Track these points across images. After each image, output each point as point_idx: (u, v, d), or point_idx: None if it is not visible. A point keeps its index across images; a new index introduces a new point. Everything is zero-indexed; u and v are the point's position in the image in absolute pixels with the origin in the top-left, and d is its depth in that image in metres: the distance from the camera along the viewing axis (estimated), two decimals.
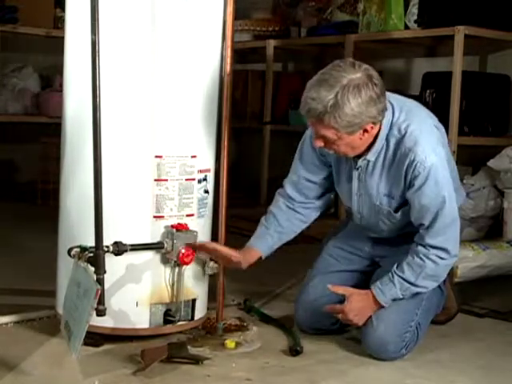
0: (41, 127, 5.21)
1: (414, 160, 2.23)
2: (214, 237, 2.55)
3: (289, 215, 2.52)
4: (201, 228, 2.45)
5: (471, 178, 3.98)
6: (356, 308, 2.36)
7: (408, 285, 2.33)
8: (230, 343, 2.42)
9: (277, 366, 2.31)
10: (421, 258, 2.30)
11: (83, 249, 2.20)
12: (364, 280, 2.57)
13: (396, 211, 2.39)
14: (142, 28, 2.31)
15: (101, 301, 2.11)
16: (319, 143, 2.25)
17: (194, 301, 2.48)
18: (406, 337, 2.38)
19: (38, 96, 5.32)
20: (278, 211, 2.52)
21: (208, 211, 2.51)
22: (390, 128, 2.28)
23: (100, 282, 2.12)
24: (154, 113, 2.34)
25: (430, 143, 2.25)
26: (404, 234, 2.46)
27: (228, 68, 2.49)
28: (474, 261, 3.23)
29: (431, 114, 2.44)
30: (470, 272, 3.21)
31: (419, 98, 4.00)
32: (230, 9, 2.46)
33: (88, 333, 2.13)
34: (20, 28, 4.99)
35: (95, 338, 2.34)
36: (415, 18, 3.98)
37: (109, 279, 2.23)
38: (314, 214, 2.57)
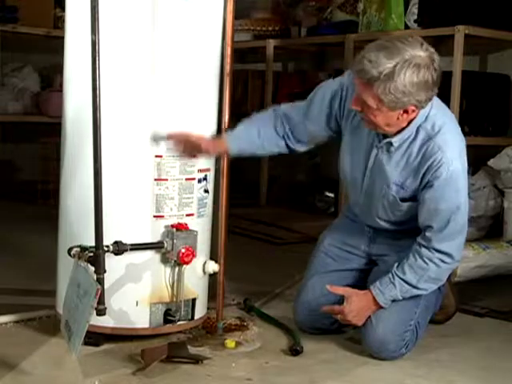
0: (41, 127, 5.21)
1: (440, 160, 2.21)
2: (214, 237, 2.55)
3: (270, 136, 2.44)
4: (201, 228, 2.45)
5: (471, 178, 3.97)
6: (355, 309, 2.36)
7: (408, 287, 2.32)
8: (230, 343, 2.43)
9: (277, 365, 2.31)
10: (424, 261, 2.29)
11: (83, 248, 2.20)
12: (362, 278, 2.57)
13: (403, 201, 2.36)
14: (142, 28, 2.31)
15: (101, 300, 2.11)
16: (356, 105, 2.19)
17: (193, 300, 2.48)
18: (406, 336, 2.38)
19: (38, 96, 5.32)
20: (264, 127, 2.43)
21: (208, 211, 2.51)
22: (425, 120, 2.24)
23: (100, 281, 2.12)
24: (154, 112, 2.34)
25: (459, 149, 2.25)
26: (400, 232, 2.46)
27: (228, 68, 2.48)
28: (474, 260, 3.23)
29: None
30: (470, 272, 3.21)
31: None
32: (229, 8, 2.46)
33: (88, 332, 2.13)
34: (20, 28, 4.98)
35: (95, 337, 2.34)
36: (415, 17, 3.98)
37: (109, 279, 2.23)
38: (289, 150, 2.49)
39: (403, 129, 2.25)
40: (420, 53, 2.10)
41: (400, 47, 2.09)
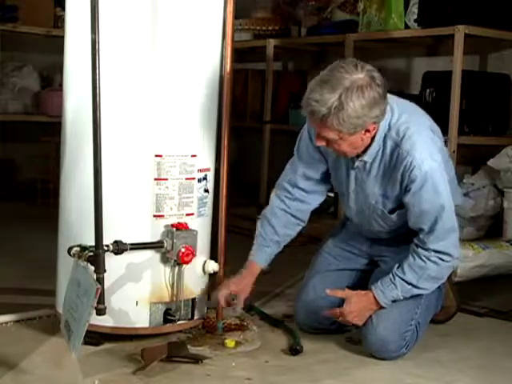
0: (41, 126, 5.21)
1: (411, 164, 2.22)
2: (214, 236, 2.55)
3: (284, 221, 2.51)
4: (201, 227, 2.45)
5: (471, 178, 3.97)
6: (355, 310, 2.36)
7: (409, 286, 2.32)
8: (229, 342, 2.43)
9: (277, 365, 2.31)
10: (423, 260, 2.30)
11: (83, 248, 2.20)
12: (363, 278, 2.57)
13: (391, 213, 2.38)
14: (142, 27, 2.31)
15: (101, 300, 2.11)
16: (321, 143, 2.25)
17: (193, 300, 2.48)
18: (407, 336, 2.38)
19: (38, 95, 5.32)
20: (274, 218, 2.50)
21: (208, 210, 2.51)
22: (389, 129, 2.27)
23: (100, 281, 2.13)
24: (154, 112, 2.34)
25: (428, 148, 2.24)
26: (401, 234, 2.46)
27: (228, 67, 2.49)
28: (473, 260, 3.23)
29: (429, 117, 2.43)
30: (470, 271, 3.21)
31: (419, 98, 4.00)
32: (230, 8, 2.46)
33: (88, 332, 2.13)
34: (20, 27, 4.98)
35: (95, 337, 2.34)
36: (415, 17, 3.98)
37: (109, 278, 2.23)
38: (309, 212, 2.54)
39: (370, 144, 2.29)
40: (358, 75, 2.13)
41: (339, 77, 2.13)
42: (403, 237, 2.44)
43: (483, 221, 3.94)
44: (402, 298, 2.35)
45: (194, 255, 2.36)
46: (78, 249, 2.21)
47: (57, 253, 2.51)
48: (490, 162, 3.81)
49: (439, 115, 3.83)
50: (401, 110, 2.29)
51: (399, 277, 2.32)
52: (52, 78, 5.38)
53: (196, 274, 2.48)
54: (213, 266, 2.50)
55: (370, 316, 2.38)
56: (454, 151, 3.64)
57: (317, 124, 2.19)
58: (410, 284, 2.32)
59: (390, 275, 2.34)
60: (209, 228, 2.55)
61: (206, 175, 2.47)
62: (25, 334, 2.48)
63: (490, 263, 3.28)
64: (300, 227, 2.54)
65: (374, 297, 2.35)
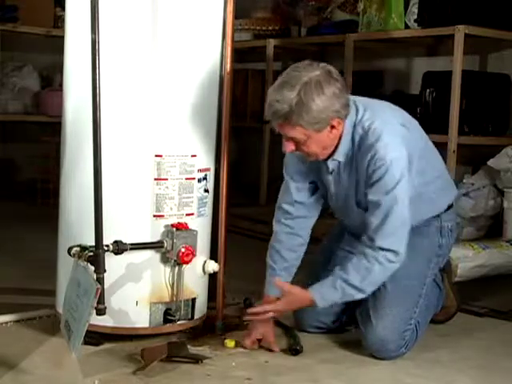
0: (41, 126, 5.21)
1: (374, 155, 2.22)
2: (214, 236, 2.55)
3: (290, 244, 2.50)
4: (201, 227, 2.45)
5: (471, 178, 3.98)
6: (287, 306, 2.37)
7: (350, 289, 2.26)
8: (229, 342, 2.43)
9: (277, 365, 2.31)
10: (369, 261, 2.25)
11: (83, 248, 2.20)
12: None
13: (366, 211, 2.36)
14: (142, 27, 2.31)
15: (101, 300, 2.11)
16: (290, 146, 2.24)
17: (193, 300, 2.48)
18: (406, 335, 2.38)
19: (38, 95, 5.32)
20: (279, 244, 2.51)
21: (208, 210, 2.51)
22: (354, 127, 2.28)
23: (100, 281, 2.13)
24: (154, 112, 2.34)
25: (391, 140, 2.23)
26: None
27: (228, 67, 2.49)
28: (473, 260, 3.22)
29: (400, 112, 2.40)
30: (470, 271, 3.21)
31: (419, 98, 4.01)
32: (230, 8, 2.46)
33: (88, 332, 2.13)
34: (20, 27, 4.99)
35: (95, 337, 2.34)
36: (415, 17, 3.98)
37: (109, 278, 2.23)
38: (311, 228, 2.54)
39: (338, 144, 2.29)
40: (315, 72, 2.16)
41: (296, 76, 2.16)
42: None
43: (483, 221, 3.95)
44: (340, 301, 2.32)
45: (193, 255, 2.36)
46: (77, 249, 2.21)
47: (57, 253, 2.51)
48: (490, 162, 3.82)
49: (439, 115, 3.87)
50: (365, 108, 2.29)
51: (342, 278, 2.27)
52: (52, 78, 5.38)
53: (196, 274, 2.48)
54: (213, 266, 2.50)
55: (369, 316, 2.38)
56: (454, 151, 3.65)
57: (281, 125, 2.19)
58: (351, 286, 2.26)
59: (332, 277, 2.29)
60: (209, 228, 2.55)
61: (205, 175, 2.47)
62: (25, 334, 2.48)
63: (490, 263, 3.28)
64: (304, 247, 2.53)
65: (312, 299, 2.30)
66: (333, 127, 2.22)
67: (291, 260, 2.51)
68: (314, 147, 2.24)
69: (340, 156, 2.31)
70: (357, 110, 2.28)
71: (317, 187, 2.50)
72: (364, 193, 2.31)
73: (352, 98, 2.28)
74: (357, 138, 2.28)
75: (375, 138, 2.23)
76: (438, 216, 2.49)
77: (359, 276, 2.25)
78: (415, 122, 2.45)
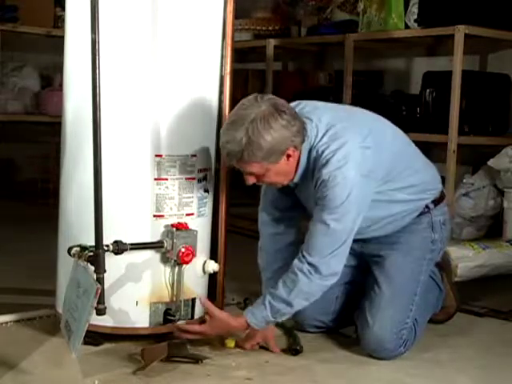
0: (41, 126, 5.21)
1: (319, 178, 2.22)
2: (214, 236, 2.55)
3: (280, 245, 2.51)
4: (201, 227, 2.45)
5: (471, 178, 3.98)
6: (212, 330, 2.35)
7: (279, 304, 2.27)
8: (229, 342, 2.43)
9: (277, 365, 2.31)
10: (294, 272, 2.25)
11: (83, 248, 2.20)
12: (359, 275, 2.57)
13: None
14: (142, 27, 2.31)
15: (101, 300, 2.11)
16: (251, 180, 2.27)
17: (193, 300, 2.48)
18: (403, 334, 2.39)
19: (38, 95, 5.31)
20: (270, 247, 2.51)
21: (208, 210, 2.51)
22: (310, 151, 2.27)
23: (100, 281, 2.13)
24: (154, 112, 2.34)
25: (338, 166, 2.20)
26: (387, 230, 2.46)
27: (228, 67, 2.49)
28: (473, 260, 3.22)
29: (368, 125, 2.34)
30: (470, 271, 3.20)
31: (419, 98, 4.01)
32: (230, 8, 2.47)
33: (88, 332, 2.13)
34: (20, 27, 4.98)
35: (95, 337, 2.34)
36: (415, 17, 3.98)
37: (109, 278, 2.23)
38: (298, 226, 2.54)
39: (297, 167, 2.29)
40: (260, 108, 2.17)
41: (241, 114, 2.18)
42: (392, 231, 2.45)
43: (483, 221, 3.94)
44: (272, 319, 2.30)
45: (194, 255, 2.36)
46: (78, 249, 2.21)
47: (57, 253, 2.51)
48: (490, 162, 3.81)
49: (439, 115, 3.86)
50: (326, 130, 2.26)
51: (271, 293, 2.28)
52: (52, 78, 5.37)
53: (196, 274, 2.48)
54: (213, 266, 2.50)
55: (366, 316, 2.38)
56: (454, 151, 3.64)
57: (238, 164, 2.22)
58: (280, 300, 2.26)
59: (262, 296, 2.31)
60: (209, 228, 2.55)
61: (205, 175, 2.47)
62: (25, 333, 2.48)
63: (490, 263, 3.28)
64: (294, 247, 2.51)
65: (246, 321, 2.30)
66: (289, 156, 2.23)
67: (281, 261, 2.50)
68: (274, 177, 2.27)
69: (298, 179, 2.32)
70: (316, 134, 2.27)
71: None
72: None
73: (315, 117, 2.26)
74: (311, 161, 2.28)
75: (323, 163, 2.22)
76: (428, 212, 2.49)
77: (286, 289, 2.26)
78: (389, 134, 2.41)
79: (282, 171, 2.27)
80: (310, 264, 2.25)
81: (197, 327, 2.37)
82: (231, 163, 2.25)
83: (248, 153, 2.16)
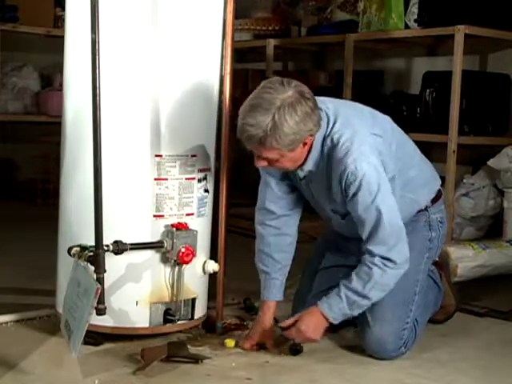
0: (41, 126, 5.21)
1: (345, 170, 2.21)
2: (214, 236, 2.55)
3: (280, 246, 2.49)
4: (201, 227, 2.45)
5: (471, 178, 3.98)
6: (310, 325, 2.31)
7: (355, 296, 2.26)
8: (229, 342, 2.43)
9: (277, 365, 2.31)
10: (367, 266, 2.25)
11: (83, 248, 2.20)
12: None
13: (343, 218, 2.38)
14: (142, 27, 2.31)
15: (101, 300, 2.11)
16: (262, 163, 2.24)
17: (193, 300, 2.48)
18: (404, 334, 2.38)
19: (38, 95, 5.32)
20: (269, 248, 2.48)
21: (208, 210, 2.51)
22: (324, 139, 2.26)
23: (100, 281, 2.13)
24: (154, 112, 2.34)
25: (361, 153, 2.21)
26: None
27: (228, 67, 2.49)
28: (473, 260, 3.22)
29: (370, 117, 2.37)
30: (470, 271, 3.21)
31: (419, 98, 4.01)
32: (230, 8, 2.46)
33: (88, 332, 2.13)
34: (20, 27, 4.98)
35: (95, 337, 2.34)
36: (415, 17, 3.98)
37: (109, 278, 2.23)
38: (297, 224, 2.53)
39: (308, 154, 2.28)
40: (287, 93, 2.14)
41: (268, 98, 2.13)
42: None
43: (483, 221, 3.95)
44: (349, 312, 2.29)
45: (194, 255, 2.36)
46: (78, 249, 2.21)
47: (57, 253, 2.51)
48: (490, 162, 3.82)
49: (439, 115, 3.87)
50: (335, 117, 2.27)
51: (345, 286, 2.27)
52: (52, 78, 5.38)
53: (196, 274, 2.48)
54: (213, 266, 2.50)
55: (366, 317, 2.37)
56: (454, 151, 3.65)
57: (255, 147, 2.19)
58: (356, 293, 2.26)
59: (337, 287, 2.29)
60: (209, 228, 2.55)
61: (205, 175, 2.47)
62: (25, 333, 2.48)
63: (490, 263, 3.28)
64: (294, 245, 2.53)
65: (322, 312, 2.29)
66: (305, 144, 2.22)
67: (283, 260, 2.50)
68: (286, 163, 2.25)
69: (309, 166, 2.30)
70: (328, 121, 2.27)
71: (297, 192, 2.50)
72: (341, 203, 2.31)
73: (323, 105, 2.26)
74: (326, 150, 2.27)
75: (343, 153, 2.21)
76: (426, 210, 2.49)
77: (361, 281, 2.25)
78: (388, 125, 2.42)
79: (296, 158, 2.24)
80: (381, 257, 2.23)
81: (294, 331, 2.32)
82: (248, 146, 2.20)
83: (271, 139, 2.13)
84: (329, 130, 2.26)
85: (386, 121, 2.44)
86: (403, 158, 2.40)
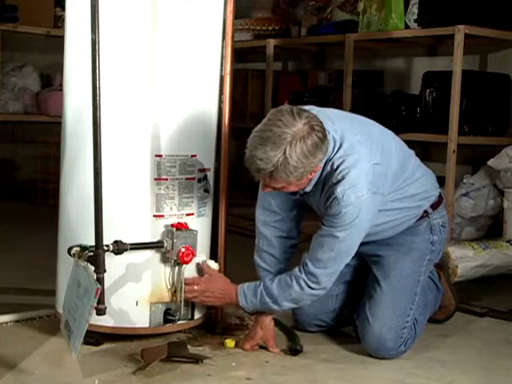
0: (41, 126, 5.21)
1: (332, 193, 2.22)
2: (214, 236, 2.55)
3: (284, 248, 2.49)
4: (201, 227, 2.45)
5: (471, 178, 3.98)
6: (217, 296, 2.41)
7: (268, 298, 2.33)
8: (229, 342, 2.43)
9: (277, 365, 2.31)
10: (292, 278, 2.30)
11: (83, 248, 2.20)
12: (359, 275, 2.57)
13: None
14: (142, 27, 2.31)
15: (101, 300, 2.11)
16: (268, 190, 2.24)
17: None
18: (404, 333, 2.39)
19: (38, 95, 5.32)
20: (274, 249, 2.48)
21: (208, 210, 2.51)
22: (326, 163, 2.25)
23: (100, 281, 2.12)
24: (154, 112, 2.34)
25: (354, 185, 2.20)
26: (385, 235, 2.46)
27: (228, 67, 2.49)
28: (473, 260, 3.23)
29: (375, 140, 2.34)
30: (470, 271, 3.21)
31: (419, 98, 4.01)
32: (230, 8, 2.47)
33: (88, 332, 2.13)
34: (20, 27, 4.98)
35: (95, 337, 2.34)
36: (415, 17, 3.98)
37: (109, 278, 2.23)
38: (299, 226, 2.53)
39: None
40: (298, 126, 2.10)
41: (279, 133, 2.10)
42: (390, 237, 2.46)
43: (483, 221, 3.95)
44: (259, 307, 2.36)
45: (194, 255, 2.36)
46: (77, 249, 2.21)
47: (57, 253, 2.51)
48: (490, 162, 3.82)
49: (439, 115, 3.87)
50: (341, 142, 2.25)
51: (265, 285, 2.34)
52: (52, 78, 5.37)
53: (196, 274, 2.48)
54: (213, 266, 2.50)
55: (366, 315, 2.39)
56: (454, 151, 3.65)
57: (264, 178, 2.18)
58: (270, 296, 2.32)
59: (259, 282, 2.37)
60: (209, 228, 2.55)
61: (206, 175, 2.47)
62: (25, 333, 2.48)
63: (490, 263, 3.29)
64: (295, 249, 2.53)
65: (236, 293, 2.37)
66: (313, 172, 2.22)
67: (285, 261, 2.51)
68: (292, 189, 2.25)
69: (309, 188, 2.31)
70: (334, 147, 2.25)
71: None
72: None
73: (331, 127, 2.23)
74: (324, 174, 2.27)
75: (338, 180, 2.21)
76: (427, 216, 2.49)
77: (279, 289, 2.32)
78: (392, 145, 2.39)
79: (301, 184, 2.25)
80: (311, 274, 2.27)
81: (197, 279, 2.41)
82: (256, 176, 2.20)
83: (281, 173, 2.12)
84: (333, 154, 2.25)
85: (392, 142, 2.41)
86: (406, 174, 2.40)
